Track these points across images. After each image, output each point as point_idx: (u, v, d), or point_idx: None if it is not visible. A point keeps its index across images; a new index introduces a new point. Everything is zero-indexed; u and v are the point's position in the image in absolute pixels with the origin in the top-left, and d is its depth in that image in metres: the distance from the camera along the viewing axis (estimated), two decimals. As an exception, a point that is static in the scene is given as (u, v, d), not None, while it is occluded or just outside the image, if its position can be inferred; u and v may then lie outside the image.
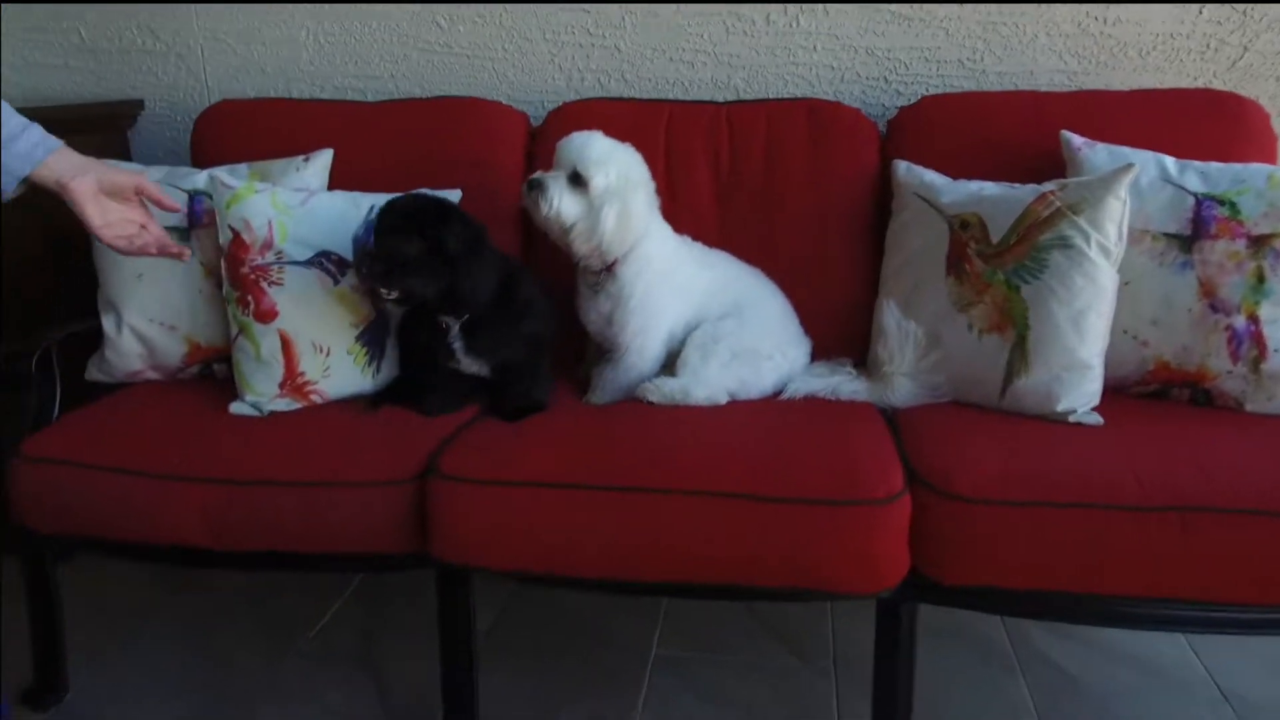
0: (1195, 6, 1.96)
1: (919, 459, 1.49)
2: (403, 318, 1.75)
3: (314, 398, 1.74)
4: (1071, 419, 1.59)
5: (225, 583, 2.14)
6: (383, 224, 1.57)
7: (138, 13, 2.25)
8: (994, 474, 1.42)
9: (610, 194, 1.64)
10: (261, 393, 1.71)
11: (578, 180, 1.64)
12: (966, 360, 1.68)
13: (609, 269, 1.71)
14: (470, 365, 1.70)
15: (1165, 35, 1.99)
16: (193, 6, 2.23)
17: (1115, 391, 1.66)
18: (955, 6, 2.03)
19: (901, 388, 1.71)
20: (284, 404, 1.72)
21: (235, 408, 1.70)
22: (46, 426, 1.68)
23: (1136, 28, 1.99)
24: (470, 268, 1.57)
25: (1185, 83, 1.99)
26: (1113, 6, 1.98)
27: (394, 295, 1.56)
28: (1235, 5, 1.95)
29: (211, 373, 1.87)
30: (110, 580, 2.11)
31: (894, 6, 2.05)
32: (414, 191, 1.60)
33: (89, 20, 2.27)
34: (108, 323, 1.82)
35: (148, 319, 1.81)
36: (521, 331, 1.69)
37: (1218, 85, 1.98)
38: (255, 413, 1.70)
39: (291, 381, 1.72)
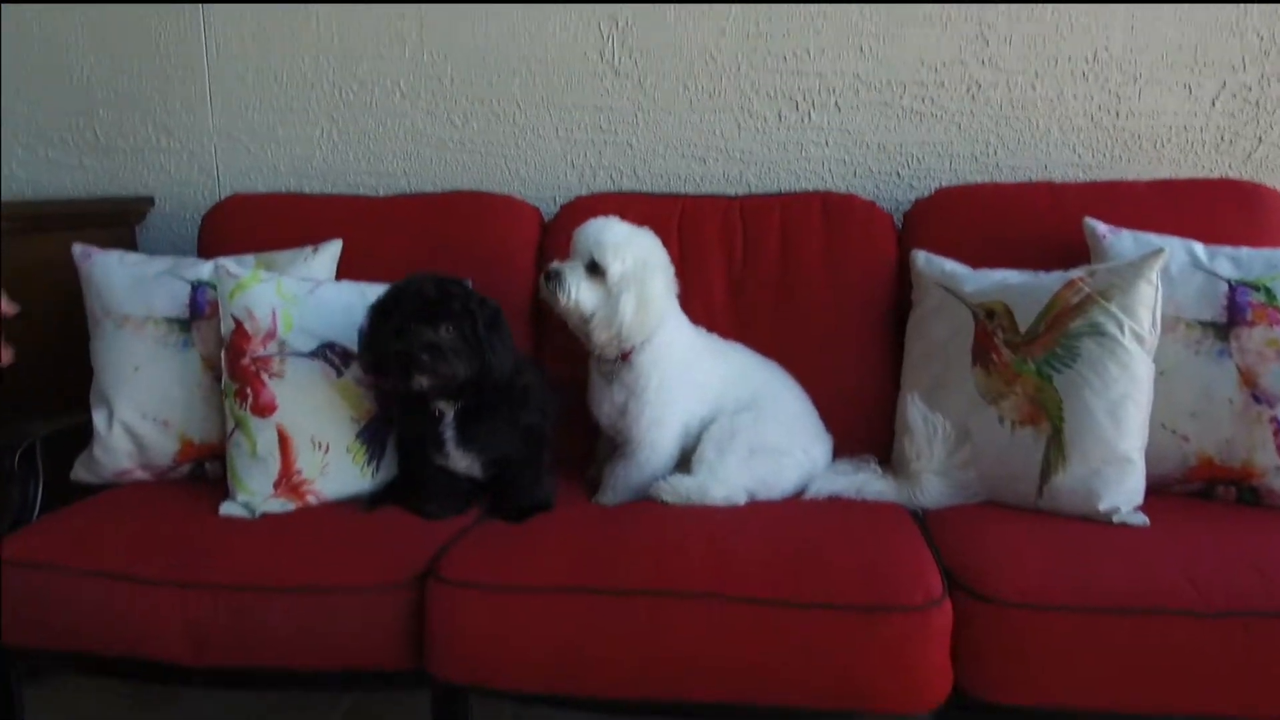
0: (1207, 100, 1.95)
1: (957, 562, 1.40)
2: (398, 409, 1.68)
3: (309, 498, 1.66)
4: (1115, 519, 1.51)
5: (206, 703, 1.99)
6: (413, 310, 1.51)
7: (153, 112, 2.27)
8: (1040, 578, 1.33)
9: (628, 280, 1.60)
10: (254, 492, 1.63)
11: (595, 268, 1.61)
12: (999, 456, 1.60)
13: (624, 357, 1.65)
14: (460, 460, 1.62)
15: (1179, 128, 1.98)
16: (208, 105, 2.25)
17: (1157, 491, 1.58)
18: (967, 102, 2.03)
19: (931, 486, 1.63)
20: (277, 504, 1.64)
21: (225, 509, 1.63)
22: (24, 527, 1.59)
23: (1150, 120, 1.99)
24: (495, 345, 1.53)
25: (1201, 175, 1.97)
26: (1124, 100, 1.98)
27: (430, 385, 1.52)
28: (1246, 99, 1.95)
29: (203, 472, 1.79)
30: (78, 700, 1.96)
31: (905, 102, 2.05)
32: (423, 274, 1.55)
33: (104, 119, 2.29)
34: (99, 418, 1.75)
35: (141, 414, 1.75)
36: (520, 423, 1.62)
37: (1234, 177, 1.95)
38: (246, 514, 1.62)
39: (287, 480, 1.64)
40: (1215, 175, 1.96)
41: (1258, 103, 1.95)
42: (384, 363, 1.53)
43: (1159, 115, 1.98)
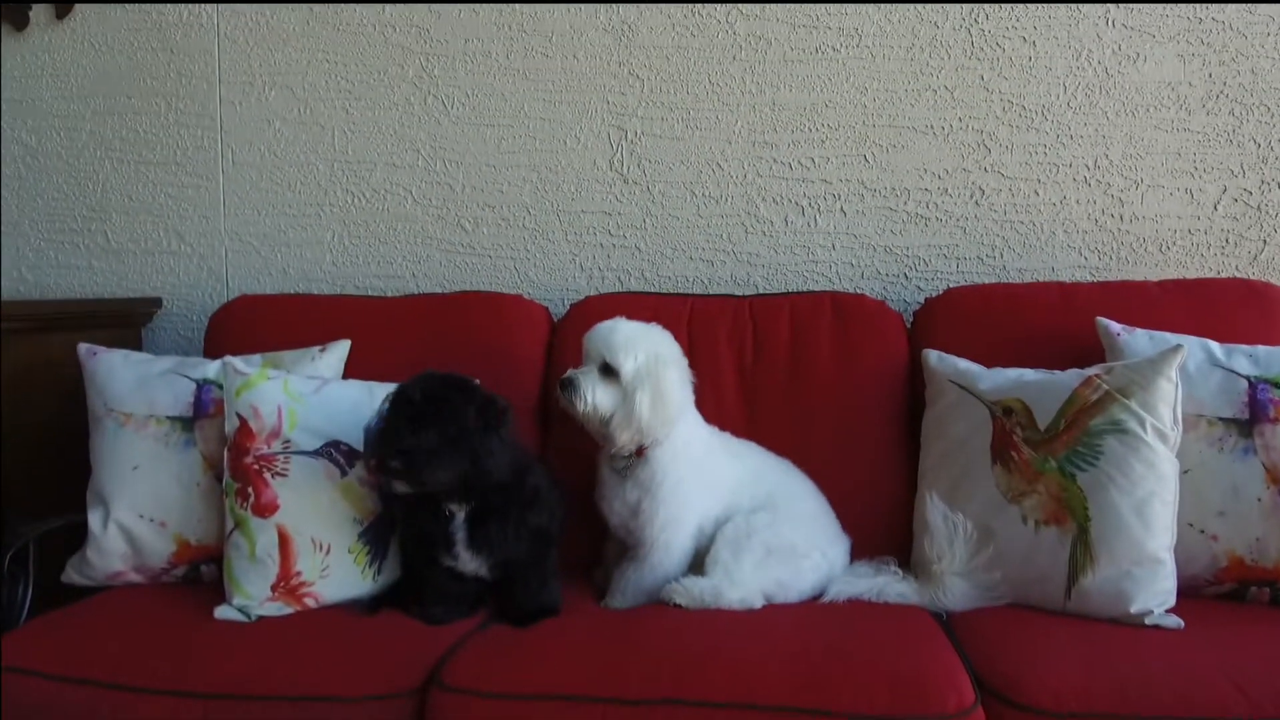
0: (1209, 204, 1.99)
1: (987, 668, 1.34)
2: (405, 508, 1.63)
3: (308, 601, 1.60)
4: (1148, 621, 1.46)
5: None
6: (400, 414, 1.49)
7: (166, 216, 2.31)
8: (1077, 684, 1.27)
9: (641, 378, 1.59)
10: (251, 595, 1.58)
11: (608, 369, 1.60)
12: (1024, 556, 1.55)
13: (640, 453, 1.62)
14: (469, 562, 1.57)
15: (1183, 231, 2.01)
16: (221, 211, 2.29)
17: (1187, 593, 1.53)
18: (971, 207, 2.06)
19: (954, 588, 1.57)
20: (275, 608, 1.58)
21: (221, 612, 1.57)
22: (12, 631, 1.53)
23: (1154, 224, 2.02)
24: (488, 445, 1.49)
25: (1209, 276, 1.99)
26: (1127, 205, 2.02)
27: (406, 490, 1.49)
28: (1248, 203, 1.98)
29: (199, 575, 1.74)
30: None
31: (910, 207, 2.09)
32: (429, 374, 1.53)
33: (116, 223, 2.32)
34: (94, 518, 1.70)
35: (137, 514, 1.70)
36: (528, 524, 1.57)
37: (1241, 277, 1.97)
38: (242, 618, 1.56)
39: (285, 583, 1.58)
40: (1224, 276, 1.98)
41: (1259, 207, 1.99)
42: (367, 465, 1.50)
43: (1163, 219, 2.02)
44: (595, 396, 1.59)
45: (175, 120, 2.30)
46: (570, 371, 1.63)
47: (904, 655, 1.35)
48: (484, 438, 1.49)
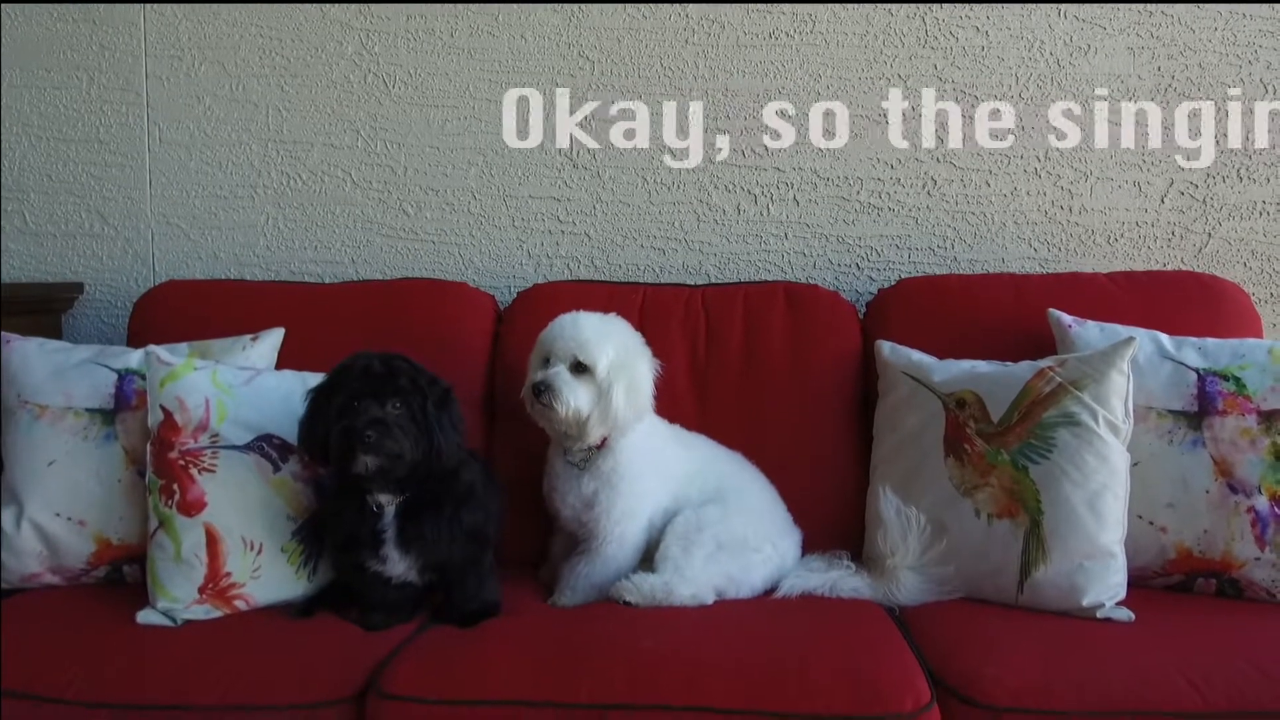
0: (1157, 197, 2.01)
1: (942, 664, 1.33)
2: (327, 505, 1.56)
3: (239, 604, 1.52)
4: (1099, 614, 1.46)
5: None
6: (352, 388, 1.42)
7: (88, 197, 2.18)
8: (1033, 680, 1.27)
9: (616, 372, 1.54)
10: (177, 598, 1.50)
11: (580, 367, 1.54)
12: (977, 550, 1.54)
13: (600, 444, 1.57)
14: (397, 564, 1.48)
15: (1131, 224, 2.02)
16: (147, 191, 2.17)
17: (1136, 584, 1.54)
18: (924, 197, 2.05)
19: (907, 583, 1.56)
20: (202, 611, 1.50)
21: (144, 617, 1.49)
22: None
23: (1103, 216, 2.03)
24: (444, 425, 1.44)
25: (1155, 268, 2.00)
26: (1076, 197, 2.02)
27: (376, 465, 1.41)
28: (1194, 195, 2.00)
29: (121, 576, 1.65)
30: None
31: (862, 197, 2.06)
32: (369, 352, 1.47)
33: (35, 203, 2.19)
34: (6, 517, 1.61)
35: (54, 513, 1.61)
36: (463, 523, 1.50)
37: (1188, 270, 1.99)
38: (167, 622, 1.48)
39: (214, 585, 1.51)
40: (1170, 269, 2.00)
41: (1205, 200, 2.01)
42: (326, 443, 1.42)
43: (1111, 211, 2.03)
44: (577, 399, 1.53)
45: (98, 95, 2.17)
46: (541, 374, 1.55)
47: (859, 653, 1.34)
48: (438, 415, 1.43)
